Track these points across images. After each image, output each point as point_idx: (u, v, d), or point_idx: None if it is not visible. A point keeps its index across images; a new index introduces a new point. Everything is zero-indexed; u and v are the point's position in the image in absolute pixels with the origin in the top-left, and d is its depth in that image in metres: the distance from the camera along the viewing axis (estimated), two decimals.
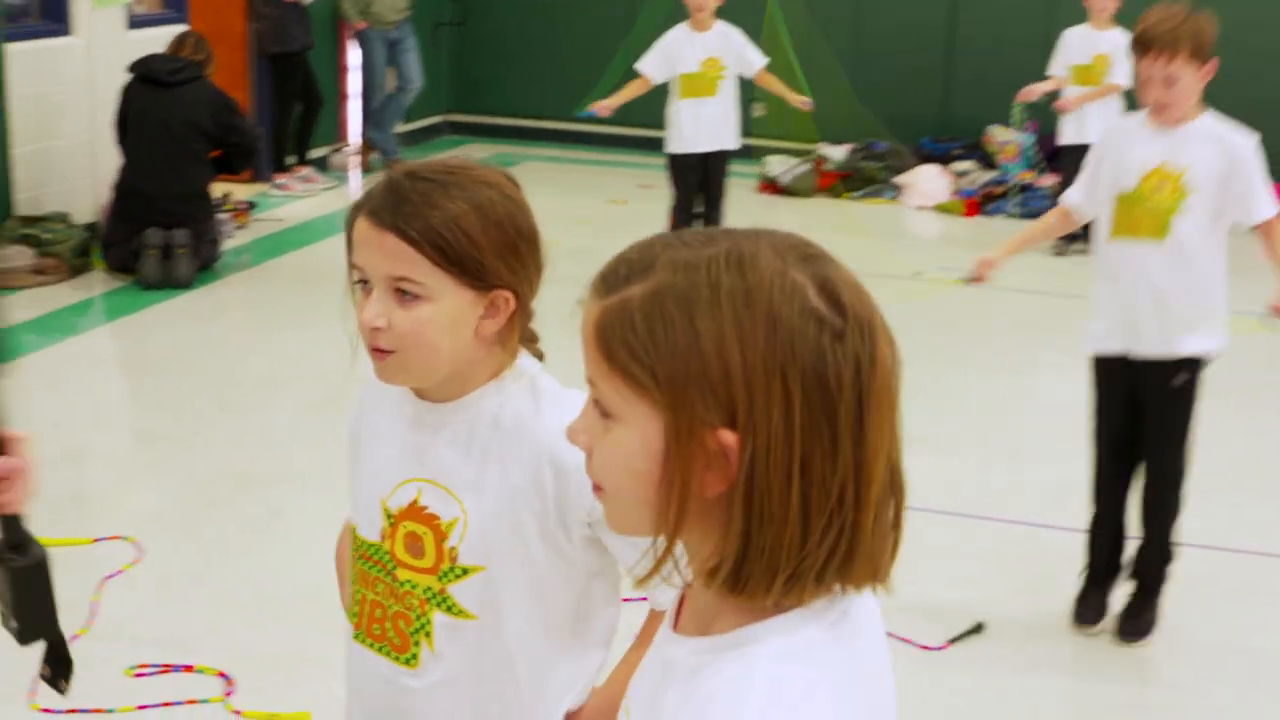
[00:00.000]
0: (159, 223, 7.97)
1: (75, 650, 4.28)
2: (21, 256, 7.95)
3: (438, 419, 2.02)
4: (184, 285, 8.06)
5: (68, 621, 4.34)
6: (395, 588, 2.04)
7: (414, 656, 2.04)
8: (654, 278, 1.23)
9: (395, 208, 1.91)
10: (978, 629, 4.60)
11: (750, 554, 1.21)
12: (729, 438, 1.20)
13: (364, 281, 1.95)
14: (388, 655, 2.06)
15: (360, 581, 2.10)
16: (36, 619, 1.82)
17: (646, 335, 1.22)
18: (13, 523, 1.84)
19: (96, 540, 5.01)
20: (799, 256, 1.24)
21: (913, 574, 5.02)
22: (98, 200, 8.56)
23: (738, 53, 8.28)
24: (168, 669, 4.25)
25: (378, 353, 1.95)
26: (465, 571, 2.00)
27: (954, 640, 4.54)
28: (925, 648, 4.49)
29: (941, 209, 10.91)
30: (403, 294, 1.91)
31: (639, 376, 1.22)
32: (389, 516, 2.04)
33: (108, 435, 6.30)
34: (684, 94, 8.27)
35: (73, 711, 4.02)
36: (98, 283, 8.21)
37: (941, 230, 10.62)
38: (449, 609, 2.01)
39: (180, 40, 8.34)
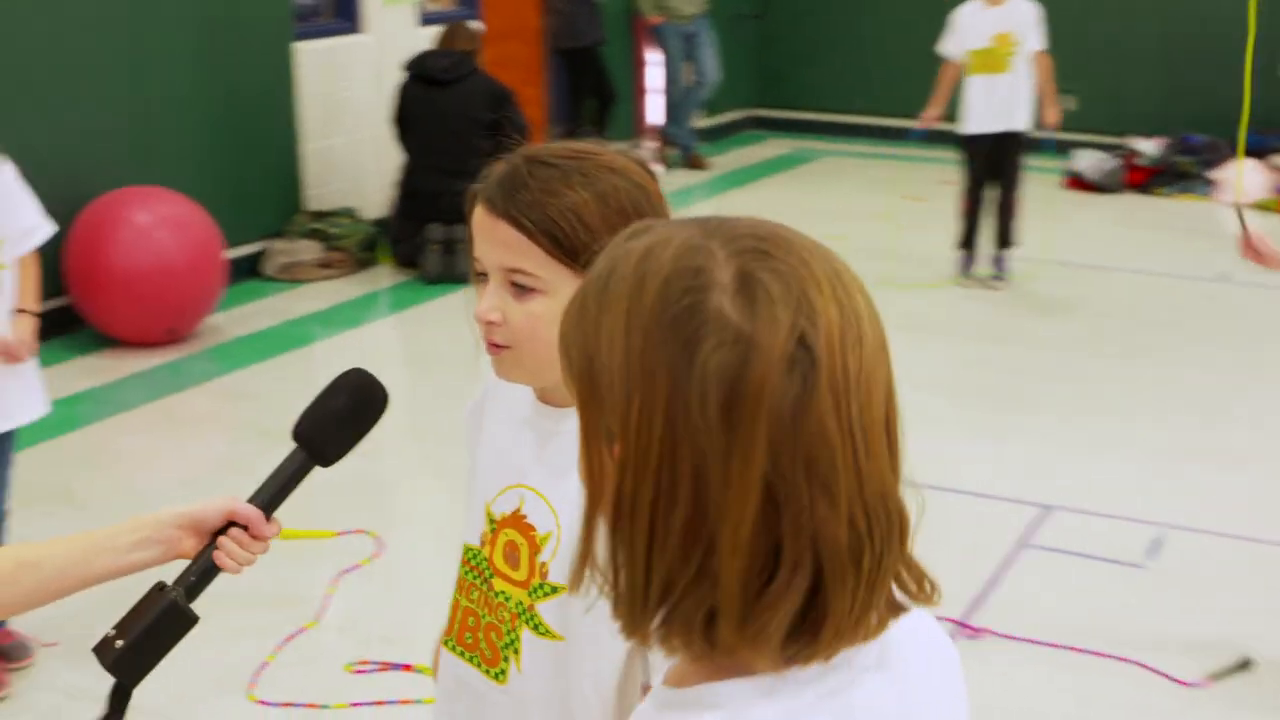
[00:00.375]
0: (441, 218, 8.06)
1: (301, 643, 4.34)
2: (309, 250, 8.16)
3: (552, 425, 1.89)
4: (465, 280, 8.10)
5: (299, 614, 4.43)
6: (490, 597, 1.94)
7: (503, 672, 1.93)
8: (595, 270, 1.10)
9: (510, 194, 1.78)
10: (1245, 665, 4.21)
11: (617, 589, 1.07)
12: (613, 450, 1.06)
13: (484, 274, 1.82)
14: (477, 666, 1.96)
15: (458, 586, 2.01)
16: (143, 655, 1.73)
17: (571, 327, 1.10)
18: (209, 575, 1.79)
19: (340, 534, 5.04)
20: (739, 249, 1.05)
21: (1172, 600, 4.73)
22: (385, 196, 8.72)
23: (1028, 28, 7.95)
24: (386, 667, 4.23)
25: (493, 347, 1.83)
26: (554, 590, 1.87)
27: (1216, 677, 4.16)
28: (1181, 683, 4.13)
29: (1260, 206, 10.23)
30: (518, 287, 1.79)
31: (567, 370, 1.10)
32: (491, 521, 1.93)
33: (378, 427, 6.36)
34: (974, 70, 7.97)
35: (288, 705, 4.03)
36: (382, 277, 8.37)
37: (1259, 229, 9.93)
38: (535, 627, 1.89)
39: (450, 33, 8.38)
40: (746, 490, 1.00)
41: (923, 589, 1.11)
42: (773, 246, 1.06)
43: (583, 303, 1.09)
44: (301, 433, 1.84)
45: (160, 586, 1.75)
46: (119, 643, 1.71)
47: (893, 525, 1.06)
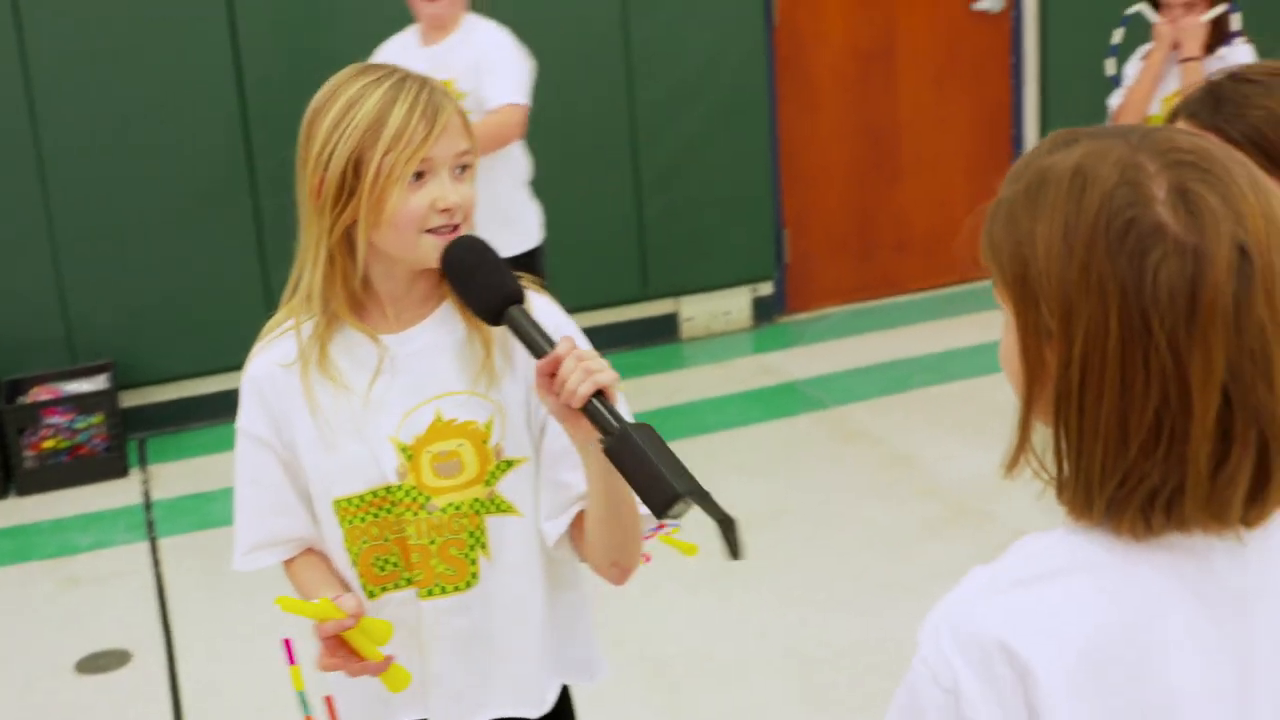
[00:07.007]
0: None
1: None
2: None
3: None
4: None
5: None
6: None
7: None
8: (1022, 180, 1.23)
9: (1216, 108, 1.91)
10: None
11: (1065, 468, 1.21)
12: (1052, 345, 1.18)
13: None
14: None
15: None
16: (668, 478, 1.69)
17: (1001, 236, 1.22)
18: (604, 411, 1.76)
19: None
20: (1169, 162, 1.17)
21: None
22: None
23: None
24: None
25: None
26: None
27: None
28: None
29: None
30: None
31: (997, 276, 1.23)
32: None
33: None
34: None
35: None
36: None
37: None
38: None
39: None
40: (1210, 387, 1.13)
41: None
42: (1200, 158, 1.16)
43: (1011, 210, 1.21)
44: (497, 306, 1.86)
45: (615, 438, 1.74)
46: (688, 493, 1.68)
47: None
